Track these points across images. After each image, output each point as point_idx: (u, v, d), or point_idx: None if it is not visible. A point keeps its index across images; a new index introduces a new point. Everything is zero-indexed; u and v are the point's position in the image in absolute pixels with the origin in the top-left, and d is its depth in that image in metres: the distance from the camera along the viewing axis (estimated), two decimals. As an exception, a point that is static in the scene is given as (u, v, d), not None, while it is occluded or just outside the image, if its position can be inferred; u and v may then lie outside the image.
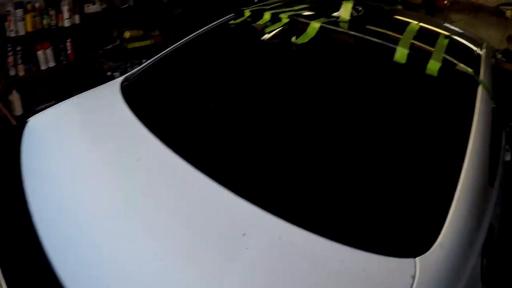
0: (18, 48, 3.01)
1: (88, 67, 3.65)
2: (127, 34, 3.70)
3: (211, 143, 1.25)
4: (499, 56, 5.28)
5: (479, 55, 1.64)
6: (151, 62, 1.81)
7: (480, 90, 1.34)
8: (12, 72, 3.06)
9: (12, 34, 2.93)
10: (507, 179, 1.53)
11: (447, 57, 1.40)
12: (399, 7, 4.45)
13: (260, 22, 1.77)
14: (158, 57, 1.82)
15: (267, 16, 1.76)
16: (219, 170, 1.09)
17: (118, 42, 3.75)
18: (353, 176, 1.11)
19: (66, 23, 3.25)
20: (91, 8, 3.48)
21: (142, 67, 1.79)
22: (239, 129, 1.31)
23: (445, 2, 5.59)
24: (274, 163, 1.15)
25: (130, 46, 3.74)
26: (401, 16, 2.25)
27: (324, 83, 1.52)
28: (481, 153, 1.14)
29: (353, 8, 1.80)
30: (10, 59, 3.01)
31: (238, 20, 1.85)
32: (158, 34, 4.06)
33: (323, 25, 1.60)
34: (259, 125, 1.32)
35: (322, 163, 1.16)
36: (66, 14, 3.21)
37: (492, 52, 2.00)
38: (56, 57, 3.31)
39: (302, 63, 1.65)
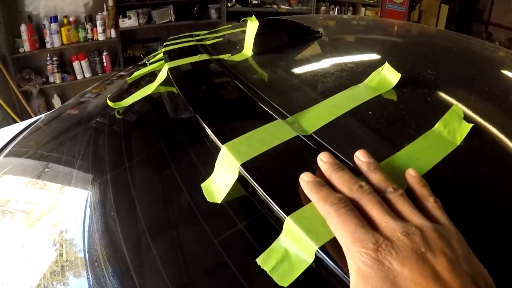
0: (55, 58, 3.32)
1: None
2: (163, 49, 3.64)
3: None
4: None
5: None
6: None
7: None
8: (51, 79, 3.41)
9: (48, 46, 3.24)
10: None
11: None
12: None
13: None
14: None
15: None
16: None
17: (157, 57, 3.73)
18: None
19: (101, 37, 3.42)
20: (126, 23, 3.56)
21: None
22: None
23: None
24: None
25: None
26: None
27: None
28: None
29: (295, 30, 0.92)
30: (49, 67, 3.35)
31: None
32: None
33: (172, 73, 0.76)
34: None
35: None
36: (99, 29, 3.37)
37: None
38: (92, 68, 3.53)
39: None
